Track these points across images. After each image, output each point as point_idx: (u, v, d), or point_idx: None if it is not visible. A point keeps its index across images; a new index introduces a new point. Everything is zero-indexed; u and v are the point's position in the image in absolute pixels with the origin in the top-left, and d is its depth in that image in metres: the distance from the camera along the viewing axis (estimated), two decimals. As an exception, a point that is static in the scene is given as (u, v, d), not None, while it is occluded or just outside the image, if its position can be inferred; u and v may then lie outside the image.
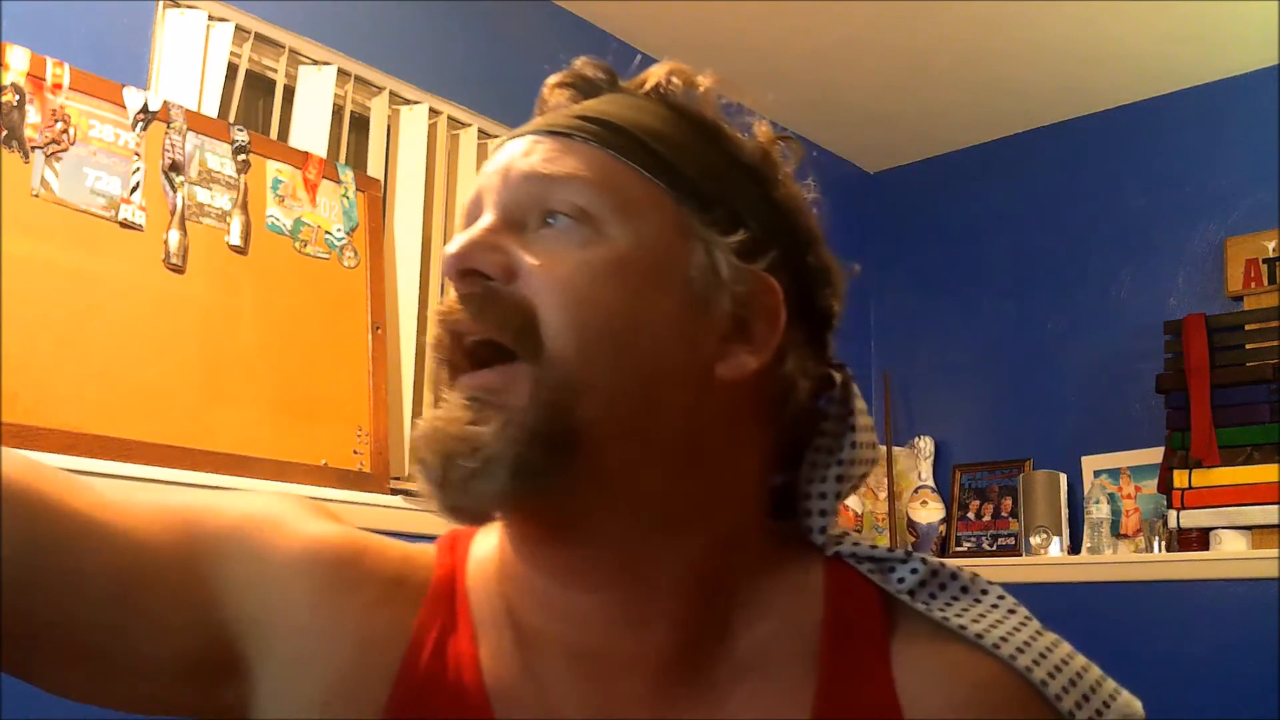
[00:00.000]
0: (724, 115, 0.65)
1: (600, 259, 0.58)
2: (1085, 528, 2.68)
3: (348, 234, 2.03)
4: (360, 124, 2.25)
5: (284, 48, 2.08)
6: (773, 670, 0.61)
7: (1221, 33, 2.61)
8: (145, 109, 1.77)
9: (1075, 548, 2.74)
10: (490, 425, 0.55)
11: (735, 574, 0.62)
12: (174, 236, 1.76)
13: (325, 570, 0.61)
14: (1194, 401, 2.49)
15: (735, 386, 0.60)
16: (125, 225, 1.71)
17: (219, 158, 1.86)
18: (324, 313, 1.95)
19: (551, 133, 0.62)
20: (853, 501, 2.95)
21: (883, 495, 3.01)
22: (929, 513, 2.97)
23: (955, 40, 2.70)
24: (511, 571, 0.63)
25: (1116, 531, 2.68)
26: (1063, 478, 2.79)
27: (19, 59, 1.63)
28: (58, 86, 1.67)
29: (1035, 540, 2.73)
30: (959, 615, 0.62)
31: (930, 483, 3.02)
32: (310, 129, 2.08)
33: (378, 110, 2.23)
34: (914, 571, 0.63)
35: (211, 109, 1.92)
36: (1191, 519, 2.46)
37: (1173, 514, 2.48)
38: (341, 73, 2.15)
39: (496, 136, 2.41)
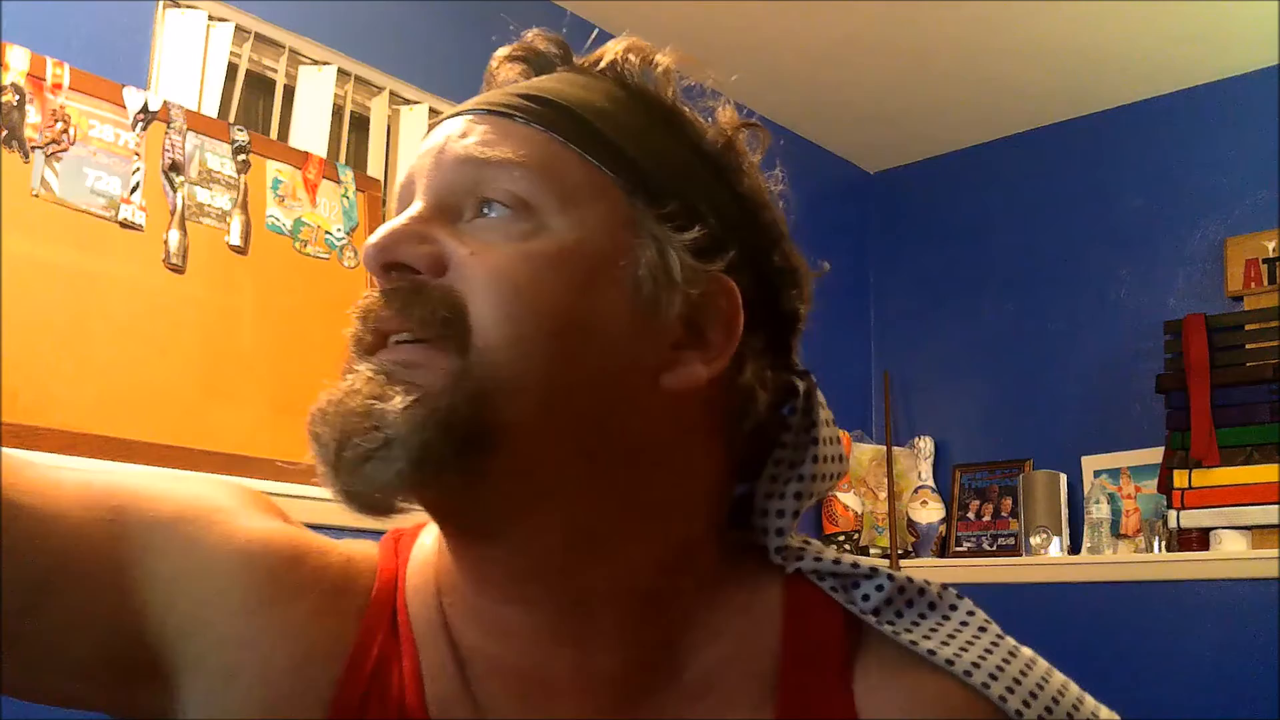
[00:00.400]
0: (686, 98, 0.60)
1: (539, 252, 0.53)
2: (1085, 528, 2.68)
3: (348, 234, 2.03)
4: (360, 124, 2.25)
5: (284, 48, 2.09)
6: (726, 696, 0.56)
7: (1221, 33, 2.61)
8: (145, 109, 1.77)
9: (1075, 548, 2.74)
10: (394, 402, 0.50)
11: (683, 593, 0.58)
12: (174, 236, 1.76)
13: (261, 575, 0.56)
14: (1194, 401, 2.49)
15: (685, 397, 0.55)
16: (125, 225, 1.71)
17: (219, 158, 1.86)
18: (324, 313, 1.95)
19: (491, 111, 0.57)
20: (853, 501, 2.95)
21: (883, 495, 3.01)
22: (929, 513, 2.97)
23: (955, 40, 2.70)
24: (448, 581, 0.58)
25: (1116, 531, 2.68)
26: (1063, 478, 2.79)
27: (19, 59, 1.63)
28: (58, 86, 1.67)
29: (1035, 540, 2.73)
30: (926, 637, 0.57)
31: (930, 483, 3.02)
32: (310, 129, 2.08)
33: (378, 110, 2.23)
34: (879, 589, 0.58)
35: (211, 109, 1.92)
36: (1191, 519, 2.46)
37: (1173, 514, 2.48)
38: (341, 73, 2.15)
39: (496, 136, 2.42)
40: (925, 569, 2.84)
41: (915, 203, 3.32)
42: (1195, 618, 2.41)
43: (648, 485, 0.56)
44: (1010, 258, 3.08)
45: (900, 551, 2.93)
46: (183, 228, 1.78)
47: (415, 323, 0.52)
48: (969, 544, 2.95)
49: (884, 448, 3.06)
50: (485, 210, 0.54)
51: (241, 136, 1.89)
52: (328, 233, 2.00)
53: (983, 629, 0.58)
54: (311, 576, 0.57)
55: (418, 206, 0.55)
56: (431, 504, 0.55)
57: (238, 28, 2.00)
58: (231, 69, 1.99)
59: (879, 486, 3.03)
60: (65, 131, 1.67)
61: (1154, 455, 2.63)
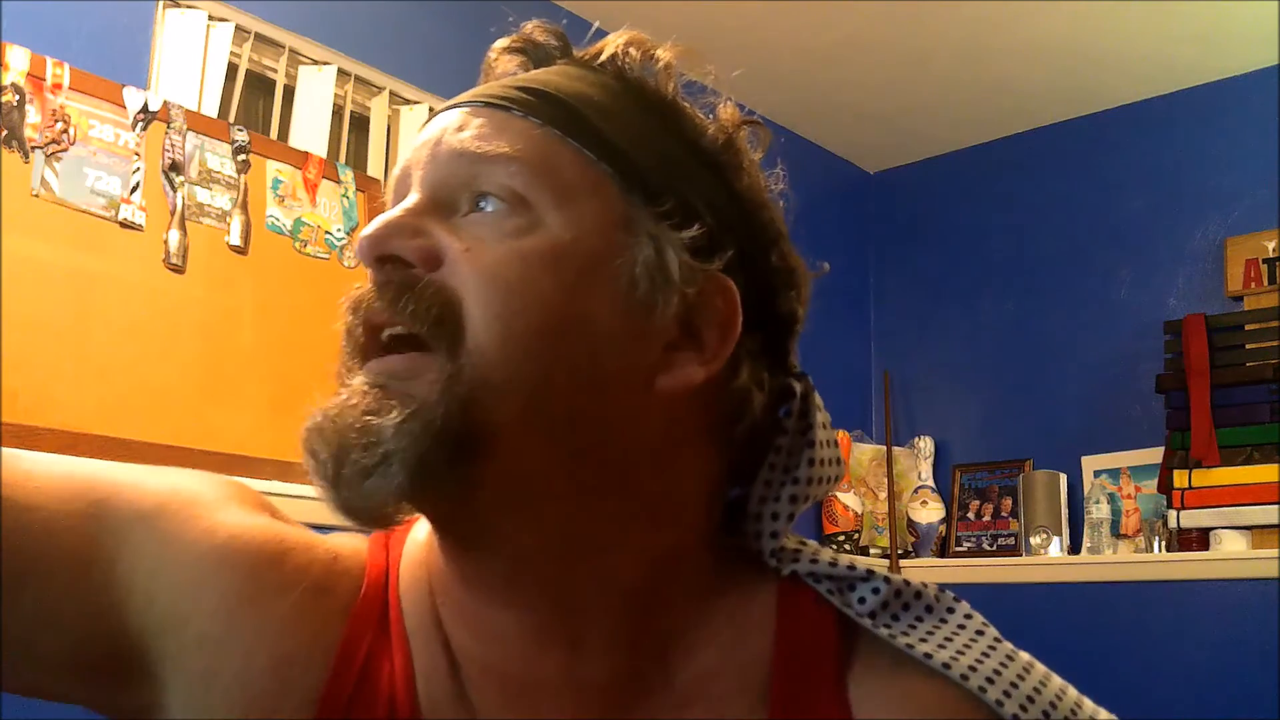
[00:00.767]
0: (687, 94, 0.59)
1: (533, 248, 0.52)
2: (1085, 528, 2.68)
3: (348, 234, 2.03)
4: (360, 124, 2.25)
5: (284, 48, 2.09)
6: (717, 703, 0.55)
7: (1221, 33, 2.61)
8: (145, 109, 1.77)
9: (1075, 548, 2.74)
10: (391, 416, 0.49)
11: (675, 597, 0.57)
12: (174, 236, 1.76)
13: (242, 573, 0.55)
14: (1194, 401, 2.49)
15: (680, 399, 0.54)
16: (125, 225, 1.71)
17: (219, 158, 1.86)
18: (324, 313, 1.95)
19: (488, 104, 0.55)
20: (852, 501, 2.95)
21: (883, 495, 3.01)
22: (929, 513, 2.97)
23: (955, 40, 2.70)
24: (440, 581, 0.57)
25: (1116, 531, 2.68)
26: (1063, 478, 2.79)
27: (19, 59, 1.63)
28: (58, 86, 1.67)
29: (1035, 540, 2.73)
30: (923, 640, 0.56)
31: (930, 483, 3.02)
32: (310, 129, 2.08)
33: (378, 110, 2.23)
34: (875, 591, 0.57)
35: (211, 109, 1.92)
36: (1191, 519, 2.46)
37: (1173, 514, 2.48)
38: (341, 73, 2.15)
39: (496, 136, 2.42)
40: (925, 569, 2.84)
41: (915, 203, 3.32)
42: (1195, 618, 2.41)
43: (640, 488, 0.55)
44: (1010, 258, 3.08)
45: (900, 551, 2.93)
46: (183, 228, 1.78)
47: (407, 317, 0.51)
48: (969, 544, 2.95)
49: (884, 448, 3.06)
50: (481, 205, 0.53)
51: (241, 136, 1.89)
52: (328, 233, 2.00)
53: (980, 632, 0.57)
54: (295, 574, 0.56)
55: (413, 199, 0.54)
56: (428, 512, 0.54)
57: (238, 28, 2.00)
58: (231, 69, 1.99)
59: (879, 486, 3.03)
60: (65, 131, 1.67)
61: (1154, 455, 2.63)
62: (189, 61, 1.90)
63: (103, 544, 0.54)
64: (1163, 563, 2.48)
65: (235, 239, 1.85)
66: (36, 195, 1.62)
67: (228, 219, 1.85)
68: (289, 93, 2.10)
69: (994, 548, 2.90)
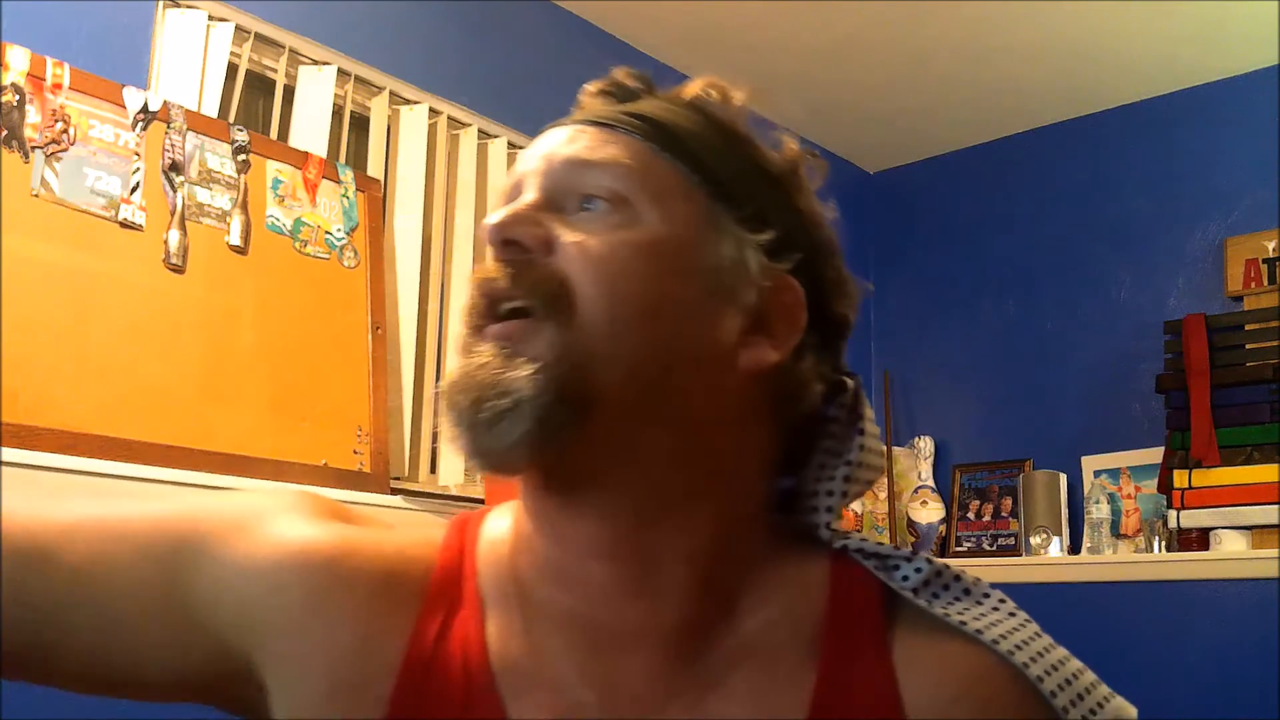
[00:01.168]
0: (756, 129, 0.68)
1: (634, 239, 0.61)
2: (1085, 528, 2.68)
3: (348, 234, 2.03)
4: (360, 124, 2.25)
5: (284, 48, 2.09)
6: (774, 654, 0.62)
7: (1221, 33, 2.61)
8: (145, 109, 1.77)
9: (1075, 548, 2.74)
10: (522, 371, 0.57)
11: (739, 557, 0.64)
12: (174, 236, 1.76)
13: (317, 571, 0.62)
14: (1194, 401, 2.49)
15: (753, 377, 0.63)
16: (125, 225, 1.71)
17: (219, 158, 1.86)
18: (324, 313, 1.95)
19: (595, 123, 0.65)
20: (853, 502, 2.94)
21: (883, 495, 3.01)
22: (929, 513, 2.97)
23: (955, 40, 2.70)
24: (527, 545, 0.65)
25: (1116, 531, 2.68)
26: (1063, 478, 2.79)
27: (19, 59, 1.63)
28: (58, 86, 1.67)
29: (1035, 540, 2.73)
30: (960, 614, 0.63)
31: (930, 483, 3.02)
32: (310, 129, 2.08)
33: (378, 110, 2.23)
34: (918, 570, 0.64)
35: (211, 109, 1.92)
36: (1191, 519, 2.46)
37: (1173, 514, 2.48)
38: (341, 73, 2.15)
39: (496, 137, 2.42)
40: (925, 569, 2.83)
41: (915, 203, 3.32)
42: (1195, 618, 2.40)
43: (715, 456, 0.63)
44: (1010, 258, 3.08)
45: (900, 551, 2.93)
46: (183, 228, 1.78)
47: (525, 291, 0.60)
48: (969, 544, 2.95)
49: (884, 447, 3.06)
50: (587, 205, 0.62)
51: (241, 136, 1.89)
52: (328, 233, 2.00)
53: (1012, 614, 0.64)
54: (363, 567, 0.63)
55: (530, 197, 0.63)
56: (542, 462, 0.61)
57: (238, 28, 2.00)
58: (231, 69, 1.99)
59: (879, 486, 3.03)
60: (65, 131, 1.67)
61: (1154, 455, 2.63)
62: (189, 61, 1.90)
63: (183, 577, 0.63)
64: (1163, 563, 2.48)
65: (235, 239, 1.85)
66: (36, 195, 1.62)
67: (228, 219, 1.85)
68: (289, 93, 2.10)
69: (994, 548, 2.90)
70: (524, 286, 0.60)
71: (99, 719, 0.85)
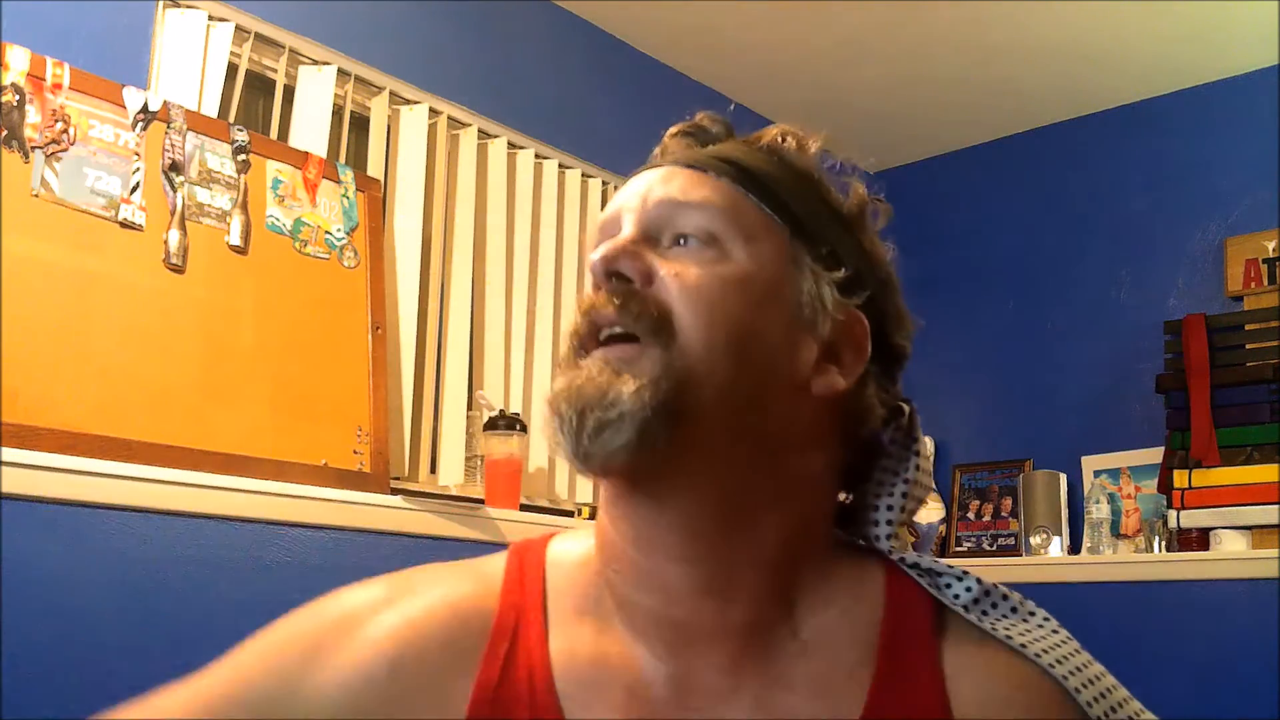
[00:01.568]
0: (827, 172, 0.76)
1: (726, 274, 0.67)
2: (1085, 528, 2.68)
3: (348, 234, 2.03)
4: (360, 124, 2.25)
5: (284, 48, 2.09)
6: (833, 653, 0.68)
7: (1221, 33, 2.61)
8: (145, 109, 1.77)
9: (1075, 548, 2.74)
10: (627, 387, 0.63)
11: (804, 564, 0.70)
12: (174, 236, 1.76)
13: (386, 667, 0.68)
14: (1194, 401, 2.49)
15: (824, 401, 0.69)
16: (125, 225, 1.71)
17: (219, 158, 1.86)
18: (324, 313, 1.95)
19: (688, 166, 0.72)
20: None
21: (883, 495, 3.01)
22: (929, 513, 2.97)
23: (955, 40, 2.70)
24: (611, 554, 0.71)
25: (1116, 531, 2.68)
26: (1063, 478, 2.79)
27: (19, 59, 1.63)
28: (58, 86, 1.67)
29: (1035, 540, 2.73)
30: (1006, 629, 0.68)
31: (930, 483, 3.01)
32: (310, 129, 2.08)
33: (378, 110, 2.23)
34: (968, 589, 0.70)
35: (211, 109, 1.92)
36: (1191, 519, 2.46)
37: (1173, 514, 2.48)
38: (341, 73, 2.15)
39: (496, 136, 2.42)
40: (925, 569, 2.83)
41: (915, 203, 3.32)
42: (1195, 618, 2.40)
43: (786, 470, 0.69)
44: (1010, 258, 3.08)
45: (900, 551, 2.93)
46: (183, 228, 1.78)
47: (631, 318, 0.66)
48: (969, 544, 2.95)
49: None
50: (681, 241, 0.69)
51: (241, 136, 1.89)
52: (328, 233, 2.00)
53: (1055, 631, 0.70)
54: (424, 654, 0.68)
55: (628, 232, 0.70)
56: (636, 469, 0.66)
57: (238, 28, 2.00)
58: (231, 69, 1.99)
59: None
60: (65, 131, 1.67)
61: (1154, 455, 2.63)
62: (189, 61, 1.90)
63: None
64: (1163, 563, 2.48)
65: (235, 239, 1.85)
66: (36, 195, 1.62)
67: (228, 219, 1.85)
68: (289, 93, 2.10)
69: (994, 548, 2.90)
70: (629, 314, 0.66)
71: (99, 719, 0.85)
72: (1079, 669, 0.67)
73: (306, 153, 2.01)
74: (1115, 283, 2.89)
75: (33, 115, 1.63)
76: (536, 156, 2.50)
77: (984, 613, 0.70)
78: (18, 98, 1.62)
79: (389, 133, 2.25)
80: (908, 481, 0.73)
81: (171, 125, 1.80)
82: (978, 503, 2.97)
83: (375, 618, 0.70)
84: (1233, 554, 2.38)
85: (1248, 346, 2.50)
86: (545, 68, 2.56)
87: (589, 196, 2.63)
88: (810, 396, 0.69)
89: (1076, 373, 2.90)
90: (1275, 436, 2.40)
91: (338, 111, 2.18)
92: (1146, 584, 2.48)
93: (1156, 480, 2.57)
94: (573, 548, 0.75)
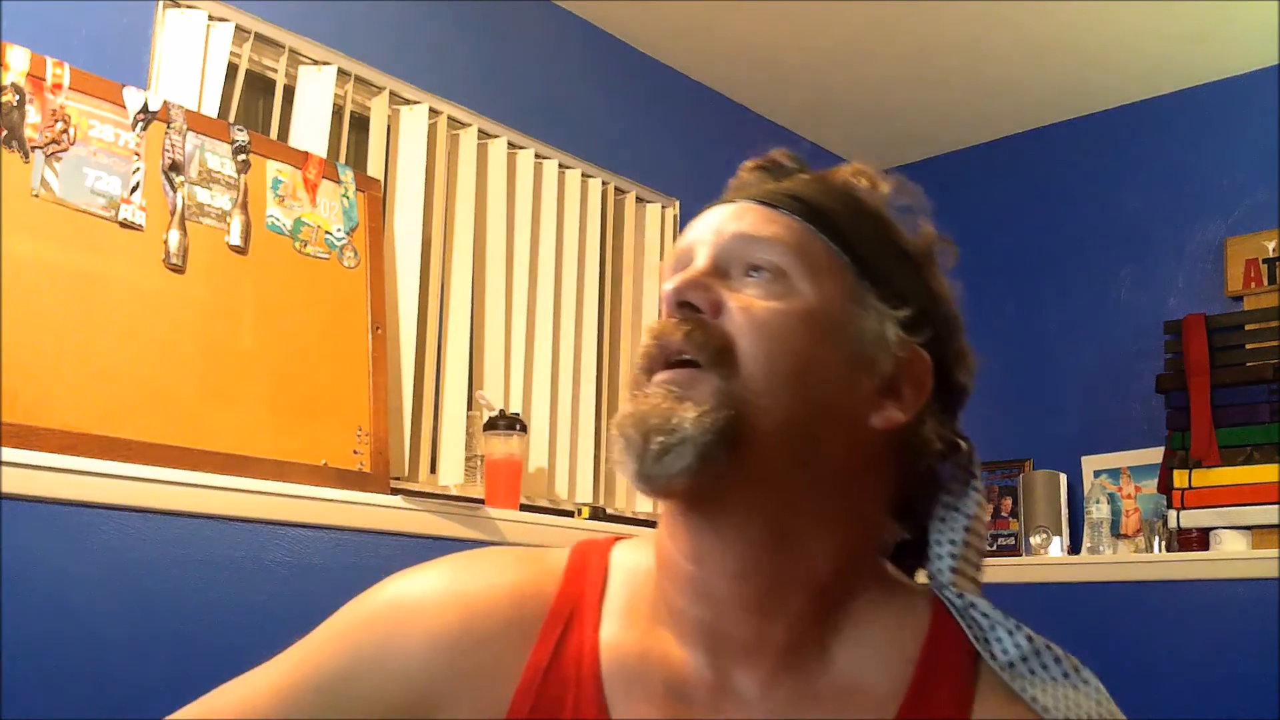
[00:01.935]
0: (896, 212, 0.77)
1: (792, 309, 0.69)
2: (1085, 528, 2.68)
3: (348, 234, 2.03)
4: (360, 124, 2.25)
5: (284, 48, 2.09)
6: (864, 686, 0.70)
7: (1221, 33, 2.61)
8: (145, 109, 1.77)
9: (1075, 548, 2.74)
10: (689, 412, 0.66)
11: (851, 592, 0.72)
12: (174, 236, 1.76)
13: (454, 642, 0.72)
14: (1194, 401, 2.49)
15: (882, 435, 0.71)
16: (125, 225, 1.71)
17: (219, 158, 1.86)
18: (324, 313, 1.95)
19: (761, 202, 0.74)
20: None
21: (883, 495, 3.01)
22: (929, 513, 2.97)
23: (955, 40, 2.70)
24: (667, 562, 0.73)
25: (1116, 531, 2.68)
26: (1063, 478, 2.79)
27: (19, 59, 1.63)
28: (58, 86, 1.67)
29: (1035, 540, 2.72)
30: (1041, 693, 0.69)
31: (930, 483, 3.01)
32: (310, 129, 2.08)
33: (378, 110, 2.23)
34: (1017, 646, 0.70)
35: (211, 109, 1.92)
36: (1191, 519, 2.46)
37: (1173, 514, 2.48)
38: (341, 73, 2.15)
39: (496, 137, 2.42)
40: (925, 569, 2.83)
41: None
42: (1195, 618, 2.40)
43: (840, 500, 0.71)
44: (1010, 257, 3.08)
45: (900, 551, 2.93)
46: (183, 228, 1.78)
47: (696, 346, 0.68)
48: (969, 544, 2.94)
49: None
50: (751, 274, 0.71)
51: (241, 136, 1.89)
52: (328, 233, 2.00)
53: (1100, 704, 0.69)
54: (491, 613, 0.73)
55: (701, 264, 0.72)
56: (695, 493, 0.69)
57: (238, 28, 2.00)
58: (231, 69, 1.99)
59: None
60: (65, 131, 1.67)
61: (1154, 455, 2.63)
62: (189, 61, 1.90)
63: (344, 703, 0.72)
64: (1163, 563, 2.48)
65: (235, 239, 1.85)
66: (36, 195, 1.62)
67: (228, 219, 1.85)
68: (289, 93, 2.10)
69: (994, 548, 2.90)
70: (695, 342, 0.68)
71: (99, 719, 0.85)
72: None
73: (306, 153, 2.01)
74: (1115, 282, 2.89)
75: (33, 115, 1.63)
76: (536, 156, 2.50)
77: (1032, 671, 0.70)
78: (18, 98, 1.62)
79: (389, 133, 2.25)
80: (969, 517, 0.75)
81: (171, 125, 1.80)
82: (978, 503, 2.97)
83: (442, 597, 0.74)
84: (1233, 554, 2.38)
85: (1248, 346, 2.50)
86: (546, 68, 2.56)
87: (589, 196, 2.63)
88: (868, 429, 0.71)
89: (1076, 373, 2.90)
90: (1275, 436, 2.40)
91: (338, 111, 2.18)
92: (1146, 584, 2.48)
93: (1156, 480, 2.57)
94: (635, 555, 0.78)
